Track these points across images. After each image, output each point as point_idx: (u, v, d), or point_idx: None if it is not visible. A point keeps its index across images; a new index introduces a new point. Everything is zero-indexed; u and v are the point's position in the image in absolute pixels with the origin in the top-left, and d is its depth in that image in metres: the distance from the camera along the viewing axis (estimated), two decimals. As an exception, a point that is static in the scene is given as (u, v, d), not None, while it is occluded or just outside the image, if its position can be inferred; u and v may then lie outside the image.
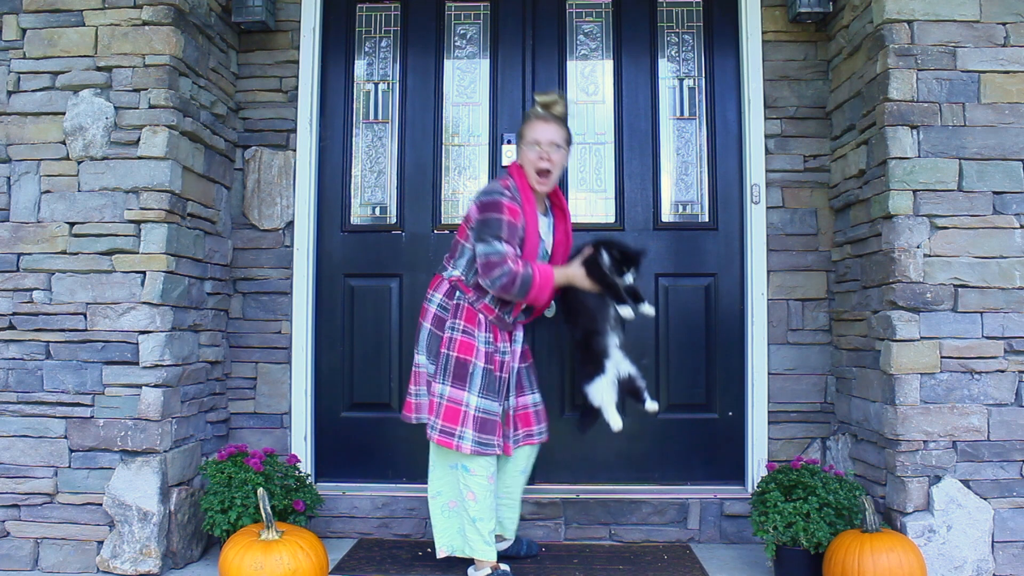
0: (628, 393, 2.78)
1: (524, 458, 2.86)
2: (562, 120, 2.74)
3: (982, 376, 2.68)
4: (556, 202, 2.87)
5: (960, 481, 2.66)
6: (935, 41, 2.74)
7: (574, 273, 2.69)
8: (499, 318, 2.69)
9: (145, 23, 2.84)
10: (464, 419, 2.61)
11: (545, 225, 2.79)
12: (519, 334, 2.83)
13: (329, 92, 3.46)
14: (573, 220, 3.01)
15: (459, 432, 2.60)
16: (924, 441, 2.66)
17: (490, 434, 2.62)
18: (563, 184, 3.33)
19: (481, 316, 2.67)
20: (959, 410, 2.67)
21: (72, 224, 2.82)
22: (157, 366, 2.78)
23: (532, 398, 2.87)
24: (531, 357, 2.94)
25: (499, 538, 2.85)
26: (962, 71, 2.74)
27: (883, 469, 2.79)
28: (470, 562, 2.73)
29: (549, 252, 2.84)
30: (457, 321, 2.67)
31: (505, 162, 3.35)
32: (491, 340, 2.68)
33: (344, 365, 3.39)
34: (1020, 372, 2.69)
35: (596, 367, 2.71)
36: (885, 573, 2.43)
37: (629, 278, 2.69)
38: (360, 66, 3.50)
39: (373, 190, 3.47)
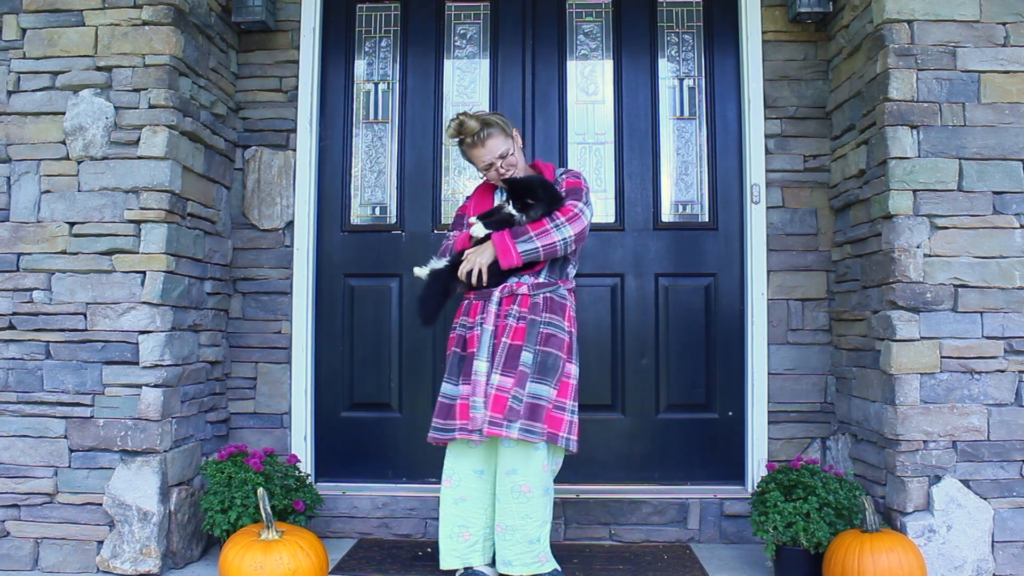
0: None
1: (486, 452, 2.57)
2: (487, 129, 2.60)
3: (982, 376, 2.68)
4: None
5: (960, 481, 2.66)
6: (935, 41, 2.74)
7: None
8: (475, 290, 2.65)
9: (145, 23, 2.84)
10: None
11: None
12: (493, 296, 2.59)
13: (329, 92, 3.46)
14: None
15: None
16: (924, 441, 2.66)
17: (442, 418, 2.56)
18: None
19: (464, 301, 2.69)
20: (959, 410, 2.67)
21: (72, 224, 2.82)
22: (157, 366, 2.78)
23: (496, 378, 2.49)
24: (524, 337, 2.53)
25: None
26: (962, 71, 2.74)
27: (883, 469, 2.79)
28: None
29: None
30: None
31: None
32: (467, 322, 2.66)
33: (344, 365, 3.39)
34: (1020, 372, 2.69)
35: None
36: (885, 573, 2.43)
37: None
38: (360, 66, 3.50)
39: (373, 190, 3.47)
